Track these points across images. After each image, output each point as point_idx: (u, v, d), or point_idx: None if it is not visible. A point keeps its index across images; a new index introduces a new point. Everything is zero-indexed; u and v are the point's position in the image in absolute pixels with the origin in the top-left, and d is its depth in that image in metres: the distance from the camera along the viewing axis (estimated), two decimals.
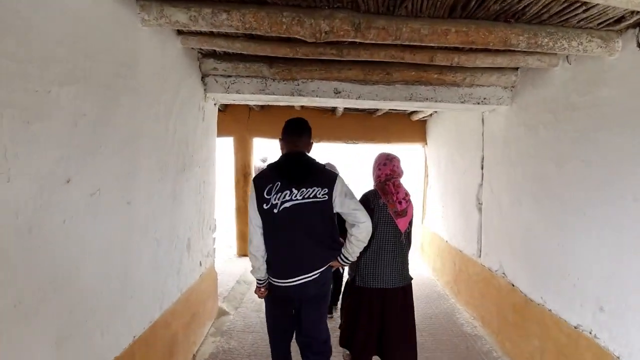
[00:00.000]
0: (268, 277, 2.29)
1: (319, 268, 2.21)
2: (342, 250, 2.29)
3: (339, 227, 2.35)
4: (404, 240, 2.55)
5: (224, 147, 6.48)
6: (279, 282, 2.23)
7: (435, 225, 5.68)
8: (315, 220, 2.17)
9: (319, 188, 2.14)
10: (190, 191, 3.10)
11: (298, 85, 3.34)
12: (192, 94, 3.05)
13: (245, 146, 6.05)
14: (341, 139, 5.94)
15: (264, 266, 2.25)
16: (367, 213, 2.23)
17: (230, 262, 5.93)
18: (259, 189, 2.17)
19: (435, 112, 5.40)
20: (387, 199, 2.49)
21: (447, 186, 5.16)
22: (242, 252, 6.06)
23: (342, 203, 2.17)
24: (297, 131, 2.30)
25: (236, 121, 5.92)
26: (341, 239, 2.34)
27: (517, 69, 3.27)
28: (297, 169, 2.17)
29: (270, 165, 2.27)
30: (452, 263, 4.80)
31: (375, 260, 2.50)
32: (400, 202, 2.50)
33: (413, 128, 6.06)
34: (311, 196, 2.13)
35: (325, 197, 2.14)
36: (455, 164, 4.82)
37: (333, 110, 5.73)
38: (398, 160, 2.65)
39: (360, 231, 2.20)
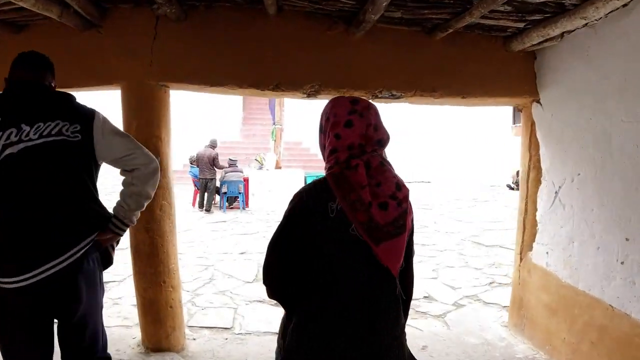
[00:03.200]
0: None
1: (77, 245, 1.46)
2: (114, 209, 1.64)
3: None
4: (398, 290, 1.23)
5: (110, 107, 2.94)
6: (4, 284, 1.39)
7: (579, 274, 2.60)
8: (64, 170, 1.49)
9: (66, 123, 1.49)
10: None
11: None
12: None
13: (151, 106, 2.63)
14: (366, 89, 2.68)
15: None
16: (150, 153, 1.65)
17: None
18: None
19: (585, 25, 2.28)
20: (347, 201, 1.13)
21: None
22: None
23: (109, 145, 1.56)
24: (33, 65, 1.61)
25: (127, 50, 2.53)
26: None
27: None
28: (29, 95, 1.52)
29: None
30: None
31: (326, 336, 1.17)
32: (382, 206, 1.14)
33: (509, 69, 2.91)
34: (54, 132, 1.46)
35: (77, 137, 1.49)
36: None
37: (349, 21, 2.48)
38: (376, 112, 1.25)
39: (141, 173, 1.60)
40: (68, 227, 1.48)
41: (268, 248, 1.21)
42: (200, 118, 16.03)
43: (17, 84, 1.53)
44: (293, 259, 1.20)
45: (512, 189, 14.79)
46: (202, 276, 4.78)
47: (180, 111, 16.04)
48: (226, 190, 9.21)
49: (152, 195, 1.70)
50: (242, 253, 5.75)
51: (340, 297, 1.18)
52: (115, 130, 1.63)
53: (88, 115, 1.56)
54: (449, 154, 16.83)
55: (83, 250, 1.48)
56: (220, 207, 9.43)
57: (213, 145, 9.52)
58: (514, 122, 18.06)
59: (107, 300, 3.98)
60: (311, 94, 2.65)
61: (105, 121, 1.61)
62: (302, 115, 15.46)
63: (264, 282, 1.24)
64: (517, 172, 15.32)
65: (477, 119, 17.21)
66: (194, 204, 9.68)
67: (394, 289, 1.21)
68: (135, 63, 2.52)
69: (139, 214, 1.70)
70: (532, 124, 3.05)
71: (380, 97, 2.72)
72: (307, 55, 2.56)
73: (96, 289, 1.59)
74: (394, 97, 2.74)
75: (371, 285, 1.18)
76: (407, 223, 1.19)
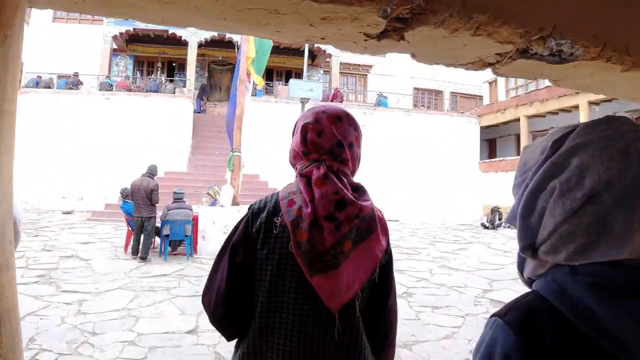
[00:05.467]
0: None
1: None
2: None
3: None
4: (345, 335, 0.98)
5: None
6: None
7: None
8: None
9: None
10: None
11: None
12: None
13: None
14: (523, 23, 1.19)
15: None
16: None
17: None
18: None
19: None
20: (289, 216, 0.99)
21: None
22: None
23: None
24: None
25: None
26: None
27: None
28: None
29: None
30: None
31: None
32: (319, 228, 0.95)
33: None
34: None
35: None
36: None
37: None
38: (348, 123, 1.07)
39: None
40: None
41: (214, 263, 1.09)
42: (140, 144, 13.92)
43: None
44: (236, 279, 1.03)
45: (487, 227, 13.99)
46: None
47: (115, 131, 13.87)
48: (169, 233, 7.12)
49: None
50: (189, 332, 3.86)
51: (277, 332, 0.98)
52: None
53: None
54: (414, 190, 15.91)
55: None
56: (161, 254, 7.35)
57: (152, 173, 7.53)
58: (481, 158, 17.70)
59: None
60: (394, 29, 1.09)
61: None
62: (261, 142, 13.89)
63: (202, 302, 1.09)
64: (492, 210, 14.58)
65: (442, 154, 16.59)
66: (125, 250, 7.52)
67: (332, 330, 0.96)
68: None
69: None
70: None
71: (534, 55, 1.24)
72: None
73: None
74: (556, 58, 1.26)
75: (308, 322, 0.97)
76: (356, 254, 0.97)
